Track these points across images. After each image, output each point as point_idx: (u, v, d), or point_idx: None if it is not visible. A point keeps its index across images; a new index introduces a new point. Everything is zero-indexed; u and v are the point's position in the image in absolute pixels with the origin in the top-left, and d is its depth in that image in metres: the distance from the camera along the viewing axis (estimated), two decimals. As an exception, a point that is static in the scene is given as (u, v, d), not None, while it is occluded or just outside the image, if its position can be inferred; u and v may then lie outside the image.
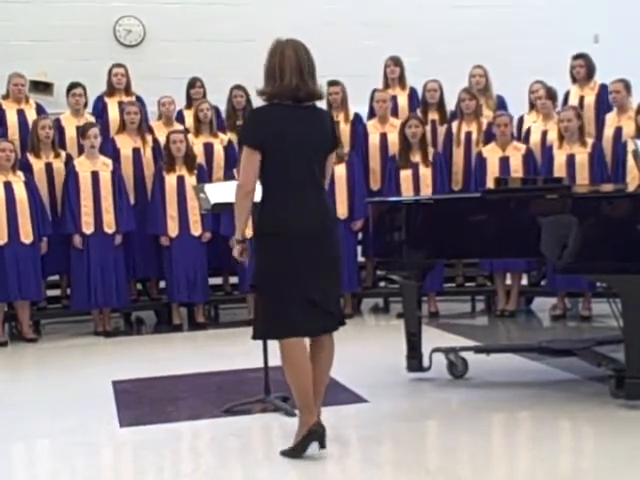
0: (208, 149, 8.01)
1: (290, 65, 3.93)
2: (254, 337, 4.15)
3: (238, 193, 3.99)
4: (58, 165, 7.58)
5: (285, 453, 4.02)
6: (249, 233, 4.17)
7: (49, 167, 7.56)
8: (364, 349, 6.32)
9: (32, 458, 4.52)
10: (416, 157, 7.64)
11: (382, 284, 8.57)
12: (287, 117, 3.96)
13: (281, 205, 3.95)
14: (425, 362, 5.39)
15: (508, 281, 7.76)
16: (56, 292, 8.08)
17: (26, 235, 7.14)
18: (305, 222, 3.94)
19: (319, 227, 3.99)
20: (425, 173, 7.62)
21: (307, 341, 4.09)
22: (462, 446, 4.24)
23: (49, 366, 6.52)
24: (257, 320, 4.19)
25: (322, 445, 3.99)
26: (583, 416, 4.56)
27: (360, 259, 8.15)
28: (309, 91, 3.98)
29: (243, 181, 3.98)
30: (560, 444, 4.29)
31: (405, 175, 7.65)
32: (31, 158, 7.51)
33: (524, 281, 7.98)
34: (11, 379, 6.20)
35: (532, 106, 8.08)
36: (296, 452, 3.97)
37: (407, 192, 7.53)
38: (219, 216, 7.36)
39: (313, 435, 3.94)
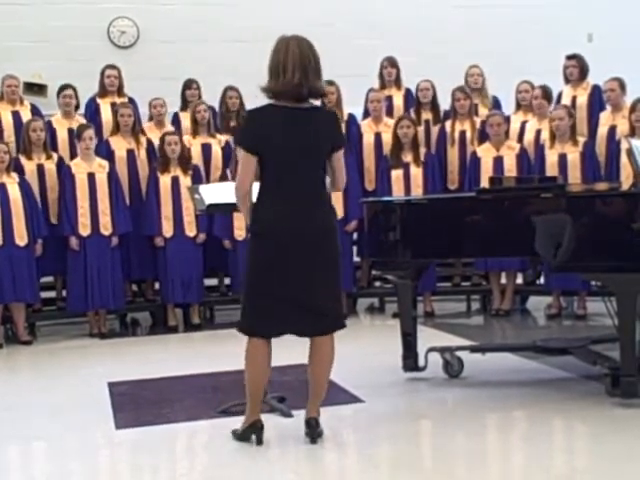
0: (206, 150, 8.00)
1: (293, 61, 3.94)
2: (237, 330, 4.22)
3: (236, 195, 4.09)
4: (50, 167, 7.57)
5: (233, 433, 4.27)
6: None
7: (41, 169, 7.54)
8: (360, 349, 6.32)
9: (28, 460, 4.51)
10: (408, 157, 7.65)
11: (377, 284, 8.57)
12: (282, 119, 3.98)
13: (268, 206, 4.01)
14: (421, 362, 5.40)
15: (503, 280, 7.77)
16: (51, 294, 8.07)
17: (21, 237, 7.12)
18: (290, 223, 3.98)
19: (307, 229, 4.00)
20: (416, 173, 7.63)
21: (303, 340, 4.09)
22: (458, 445, 4.25)
23: (44, 368, 6.52)
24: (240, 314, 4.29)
25: (314, 441, 4.13)
26: (579, 415, 4.57)
27: (355, 259, 8.16)
28: (312, 88, 3.98)
29: (237, 184, 4.07)
30: (555, 443, 4.31)
31: (396, 175, 7.66)
32: (23, 160, 7.49)
33: (519, 280, 8.00)
34: (6, 381, 6.19)
35: (519, 106, 8.09)
36: (239, 438, 4.23)
37: (398, 192, 7.55)
38: (211, 217, 7.37)
39: (252, 429, 4.17)
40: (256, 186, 4.08)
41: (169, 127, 8.08)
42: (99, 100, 8.29)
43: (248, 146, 4.01)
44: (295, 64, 3.94)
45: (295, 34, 4.05)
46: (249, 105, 4.22)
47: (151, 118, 8.25)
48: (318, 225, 4.04)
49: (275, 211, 4.00)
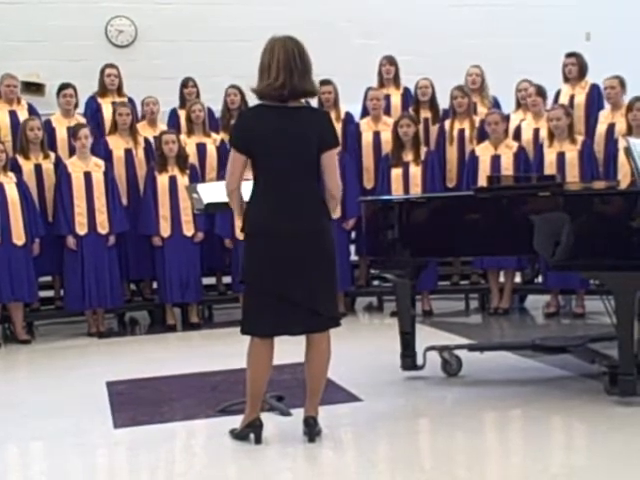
0: (201, 149, 8.01)
1: (277, 62, 3.97)
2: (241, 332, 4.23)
3: (225, 192, 4.16)
4: (47, 166, 7.55)
5: (231, 432, 4.29)
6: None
7: (38, 168, 7.52)
8: (358, 348, 6.32)
9: (26, 460, 4.50)
10: (408, 156, 7.65)
11: (376, 283, 8.56)
12: (271, 119, 4.01)
13: (258, 205, 4.05)
14: (419, 360, 5.40)
15: (501, 279, 7.78)
16: (49, 293, 8.06)
17: (18, 237, 7.11)
18: (282, 222, 4.00)
19: (299, 227, 4.02)
20: (415, 172, 7.63)
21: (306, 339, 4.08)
22: (457, 444, 4.25)
23: (43, 367, 6.51)
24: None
25: (312, 440, 4.13)
26: (577, 413, 4.57)
27: (353, 258, 8.16)
28: (295, 89, 3.99)
29: (226, 181, 4.14)
30: (554, 441, 4.30)
31: (396, 174, 7.65)
32: (20, 159, 7.48)
33: (517, 279, 8.00)
34: (5, 380, 6.19)
35: (519, 104, 8.10)
36: (237, 437, 4.25)
37: (397, 191, 7.55)
38: (212, 216, 7.37)
39: (250, 428, 4.19)
40: (249, 186, 4.11)
41: (161, 126, 8.08)
42: (100, 100, 8.29)
43: (236, 145, 4.07)
44: (279, 65, 3.97)
45: (286, 34, 4.06)
46: (252, 103, 4.26)
47: (144, 117, 8.24)
48: (307, 225, 4.04)
49: (264, 210, 4.03)
